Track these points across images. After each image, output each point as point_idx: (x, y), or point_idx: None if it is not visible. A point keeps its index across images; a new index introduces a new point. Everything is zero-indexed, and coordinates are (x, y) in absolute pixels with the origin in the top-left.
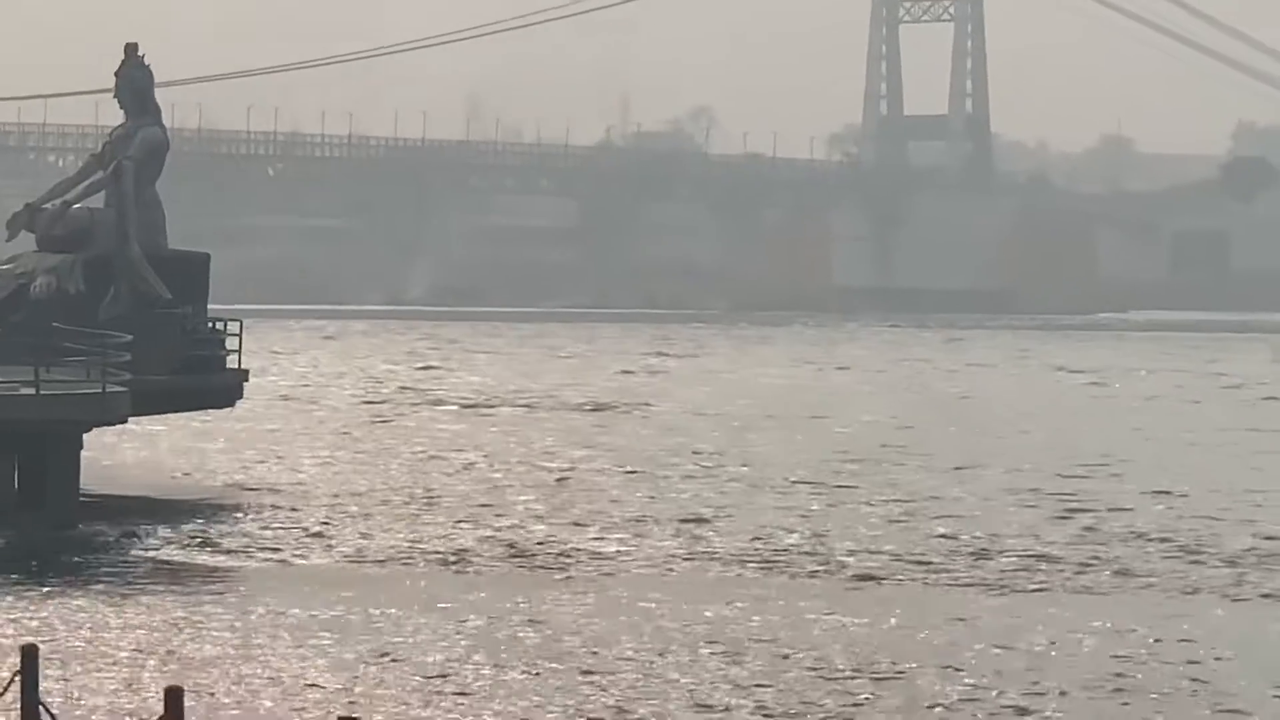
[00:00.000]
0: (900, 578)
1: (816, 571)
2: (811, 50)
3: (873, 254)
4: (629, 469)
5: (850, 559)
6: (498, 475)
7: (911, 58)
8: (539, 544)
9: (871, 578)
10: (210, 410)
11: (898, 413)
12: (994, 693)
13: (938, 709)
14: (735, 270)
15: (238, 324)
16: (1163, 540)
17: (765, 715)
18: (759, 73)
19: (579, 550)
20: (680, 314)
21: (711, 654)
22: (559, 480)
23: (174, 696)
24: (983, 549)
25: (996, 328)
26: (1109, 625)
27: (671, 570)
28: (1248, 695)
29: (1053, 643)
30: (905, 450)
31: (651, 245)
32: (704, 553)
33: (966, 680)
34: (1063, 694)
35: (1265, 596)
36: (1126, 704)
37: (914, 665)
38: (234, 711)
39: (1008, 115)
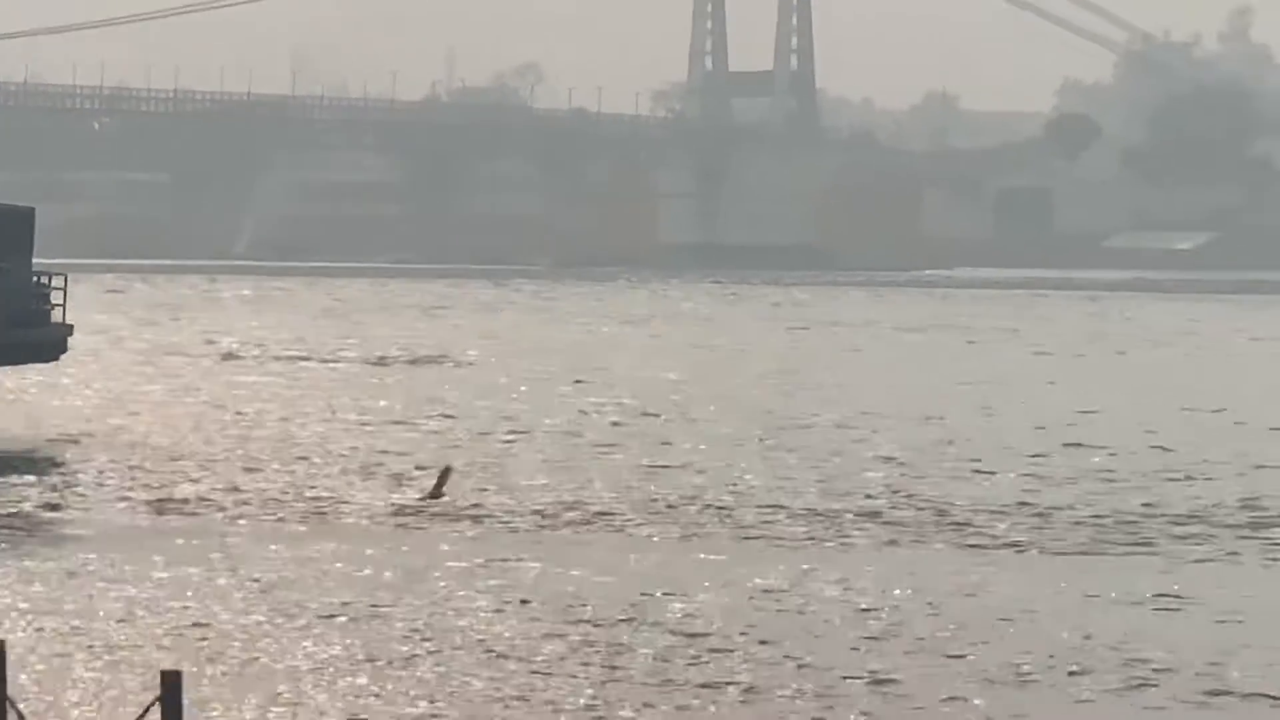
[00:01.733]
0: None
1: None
2: (637, 6)
3: (697, 210)
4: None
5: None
6: (293, 427)
7: (737, 13)
8: (310, 494)
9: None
10: (35, 364)
11: (680, 371)
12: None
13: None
14: (560, 226)
15: (63, 278)
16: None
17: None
18: (585, 29)
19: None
20: (504, 269)
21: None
22: (347, 429)
23: None
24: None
25: (821, 284)
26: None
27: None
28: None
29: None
30: (671, 409)
31: (477, 201)
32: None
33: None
34: None
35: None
36: None
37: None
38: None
39: (833, 71)
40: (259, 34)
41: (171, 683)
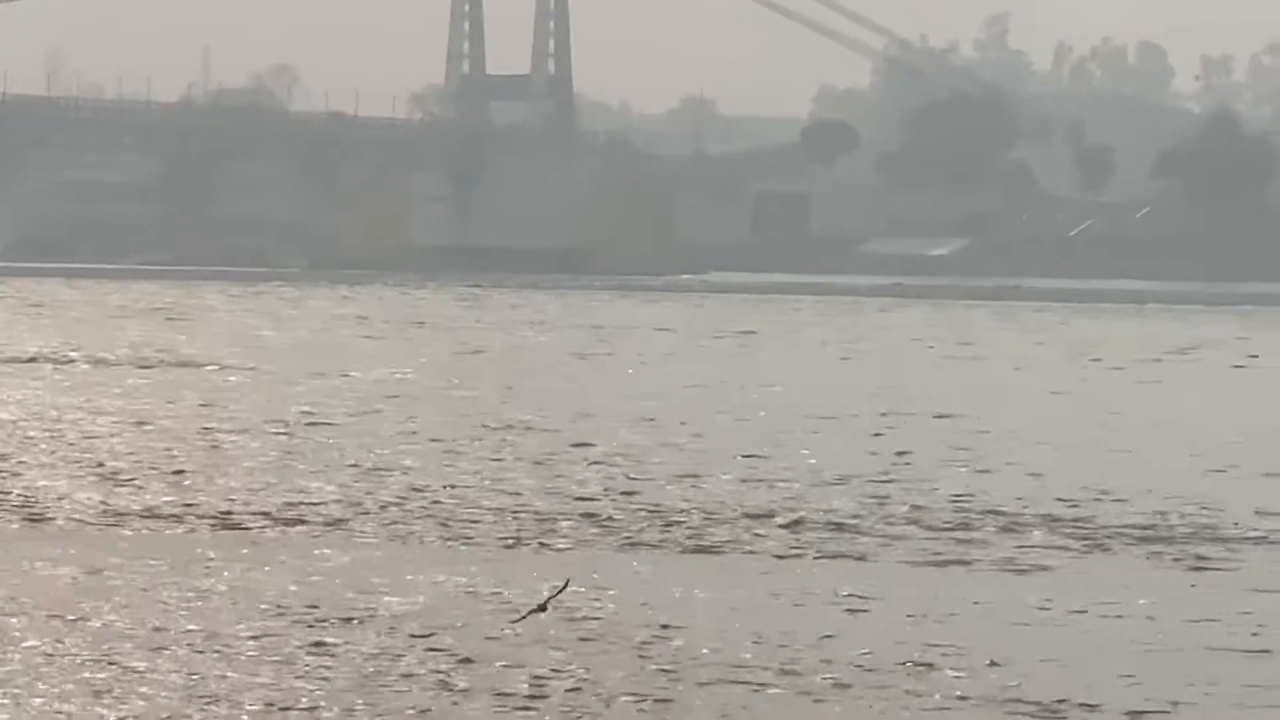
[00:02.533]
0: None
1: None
2: (394, 9)
3: (454, 213)
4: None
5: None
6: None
7: (494, 16)
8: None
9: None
10: None
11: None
12: None
13: None
14: (316, 229)
15: None
16: None
17: None
18: (342, 31)
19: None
20: (260, 272)
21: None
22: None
23: None
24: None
25: (576, 287)
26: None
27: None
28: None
29: None
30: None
31: (233, 203)
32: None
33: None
34: None
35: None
36: None
37: None
38: None
39: (591, 76)
40: (13, 34)
41: None
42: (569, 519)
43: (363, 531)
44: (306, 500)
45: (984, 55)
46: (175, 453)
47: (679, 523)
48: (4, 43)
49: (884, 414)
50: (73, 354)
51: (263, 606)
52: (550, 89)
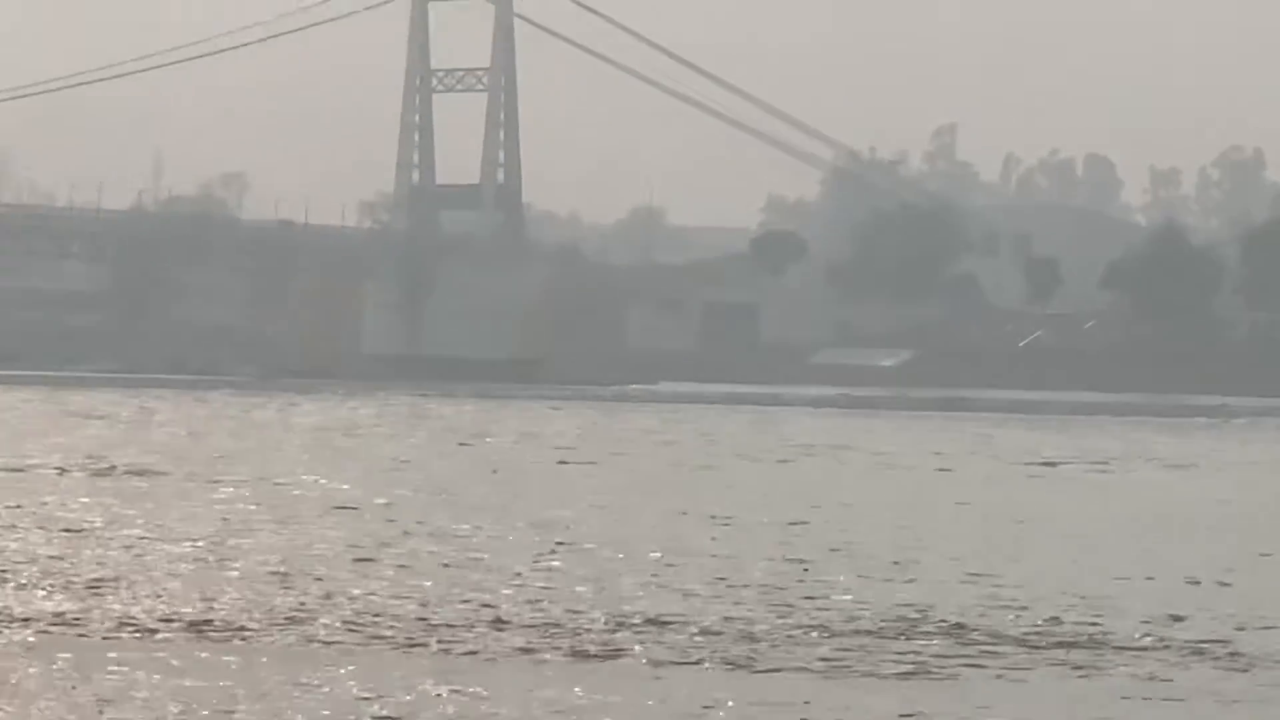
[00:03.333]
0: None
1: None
2: (345, 118)
3: (403, 322)
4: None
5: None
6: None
7: (445, 127)
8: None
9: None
10: None
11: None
12: None
13: None
14: (266, 336)
15: None
16: None
17: None
18: (292, 139)
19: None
20: (210, 380)
21: None
22: None
23: None
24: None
25: (526, 397)
26: None
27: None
28: None
29: None
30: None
31: (183, 310)
32: None
33: None
34: None
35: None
36: None
37: None
38: None
39: (540, 186)
40: None
41: None
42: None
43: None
44: (216, 607)
45: (932, 166)
46: (86, 559)
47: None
48: None
49: (792, 523)
50: None
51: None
52: (500, 199)
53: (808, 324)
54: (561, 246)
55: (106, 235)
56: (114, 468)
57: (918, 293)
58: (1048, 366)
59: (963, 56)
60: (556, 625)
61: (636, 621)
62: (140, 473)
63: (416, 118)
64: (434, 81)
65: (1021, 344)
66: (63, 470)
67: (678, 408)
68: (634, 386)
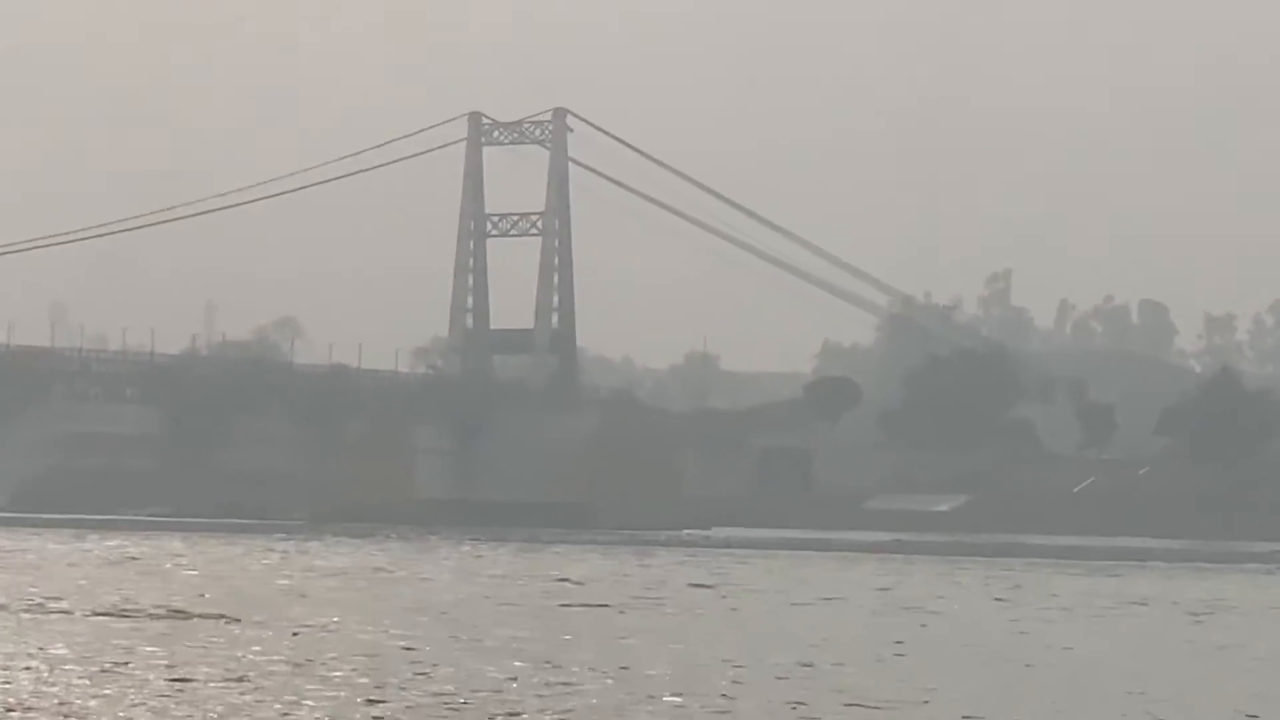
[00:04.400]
0: None
1: None
2: (399, 262)
3: (455, 466)
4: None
5: None
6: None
7: (499, 271)
8: None
9: None
10: None
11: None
12: None
13: None
14: (318, 481)
15: None
16: None
17: None
18: (346, 284)
19: None
20: (262, 524)
21: None
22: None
23: None
24: None
25: (579, 543)
26: None
27: None
28: None
29: None
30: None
31: (234, 454)
32: None
33: None
34: None
35: None
36: None
37: None
38: None
39: (594, 330)
40: (17, 286)
41: None
42: None
43: None
44: None
45: (987, 312)
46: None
47: None
48: (7, 293)
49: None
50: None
51: None
52: (553, 343)
53: (862, 469)
54: (615, 391)
55: (160, 380)
56: (140, 610)
57: (972, 438)
58: (1102, 512)
59: (1017, 203)
60: None
61: None
62: (176, 616)
63: (471, 261)
64: (488, 226)
65: (1076, 490)
66: (101, 611)
67: (728, 553)
68: (688, 532)
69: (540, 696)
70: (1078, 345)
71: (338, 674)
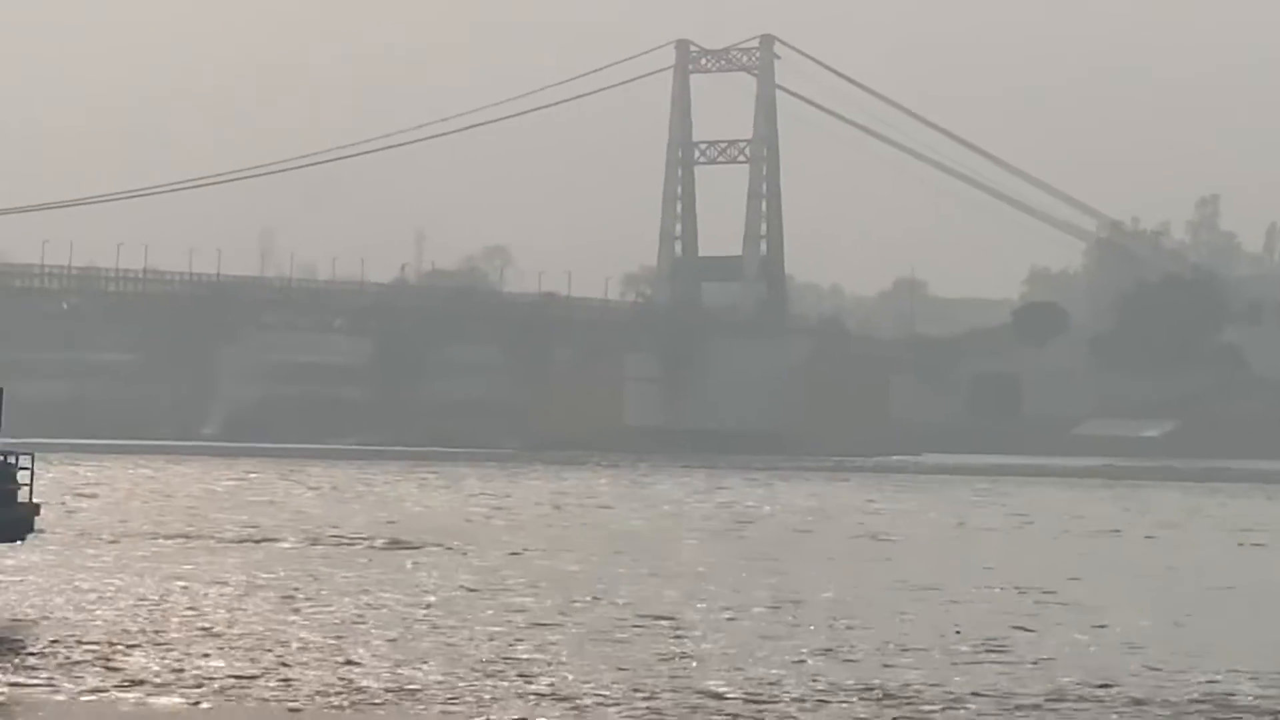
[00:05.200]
0: None
1: None
2: (607, 191)
3: (665, 395)
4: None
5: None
6: (263, 606)
7: (707, 199)
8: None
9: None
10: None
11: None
12: None
13: None
14: (528, 410)
15: (30, 457)
16: None
17: None
18: (554, 213)
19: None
20: (473, 453)
21: None
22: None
23: None
24: None
25: (789, 469)
26: None
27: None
28: None
29: None
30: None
31: (445, 383)
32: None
33: None
34: None
35: None
36: None
37: None
38: None
39: (802, 258)
40: (227, 215)
41: None
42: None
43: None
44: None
45: (1195, 237)
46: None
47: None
48: (218, 223)
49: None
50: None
51: None
52: (762, 271)
53: (1071, 395)
54: (824, 318)
55: (369, 309)
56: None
57: (1180, 364)
58: None
59: (1227, 127)
60: None
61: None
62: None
63: (679, 189)
64: (696, 153)
65: None
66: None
67: (933, 478)
68: (896, 457)
69: (711, 619)
70: None
71: (525, 598)
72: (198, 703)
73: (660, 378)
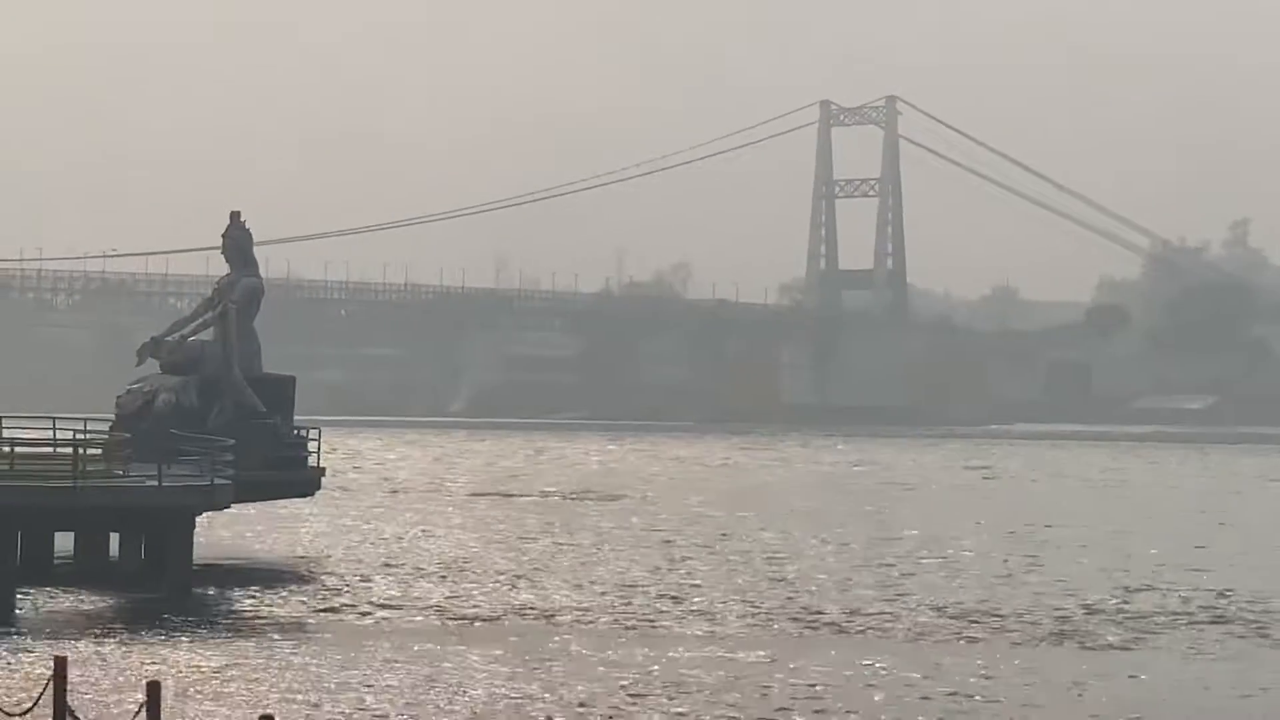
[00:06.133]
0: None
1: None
2: (767, 218)
3: (812, 378)
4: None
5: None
6: (516, 550)
7: (844, 224)
8: (538, 606)
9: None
10: (295, 499)
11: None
12: None
13: None
14: (705, 391)
15: (317, 431)
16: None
17: None
18: (726, 236)
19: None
20: (661, 425)
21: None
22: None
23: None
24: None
25: (909, 436)
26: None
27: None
28: None
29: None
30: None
31: (639, 370)
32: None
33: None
34: None
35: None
36: None
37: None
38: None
39: (920, 269)
40: (468, 240)
41: (153, 693)
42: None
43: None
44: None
45: (1229, 252)
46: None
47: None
48: (463, 247)
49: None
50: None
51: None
52: (889, 281)
53: (1131, 376)
54: (937, 317)
55: (581, 313)
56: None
57: (1219, 352)
58: None
59: (1259, 160)
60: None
61: None
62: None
63: (823, 217)
64: (836, 189)
65: None
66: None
67: (1024, 443)
68: (994, 426)
69: (816, 554)
70: None
71: (657, 539)
72: (433, 622)
73: (809, 365)
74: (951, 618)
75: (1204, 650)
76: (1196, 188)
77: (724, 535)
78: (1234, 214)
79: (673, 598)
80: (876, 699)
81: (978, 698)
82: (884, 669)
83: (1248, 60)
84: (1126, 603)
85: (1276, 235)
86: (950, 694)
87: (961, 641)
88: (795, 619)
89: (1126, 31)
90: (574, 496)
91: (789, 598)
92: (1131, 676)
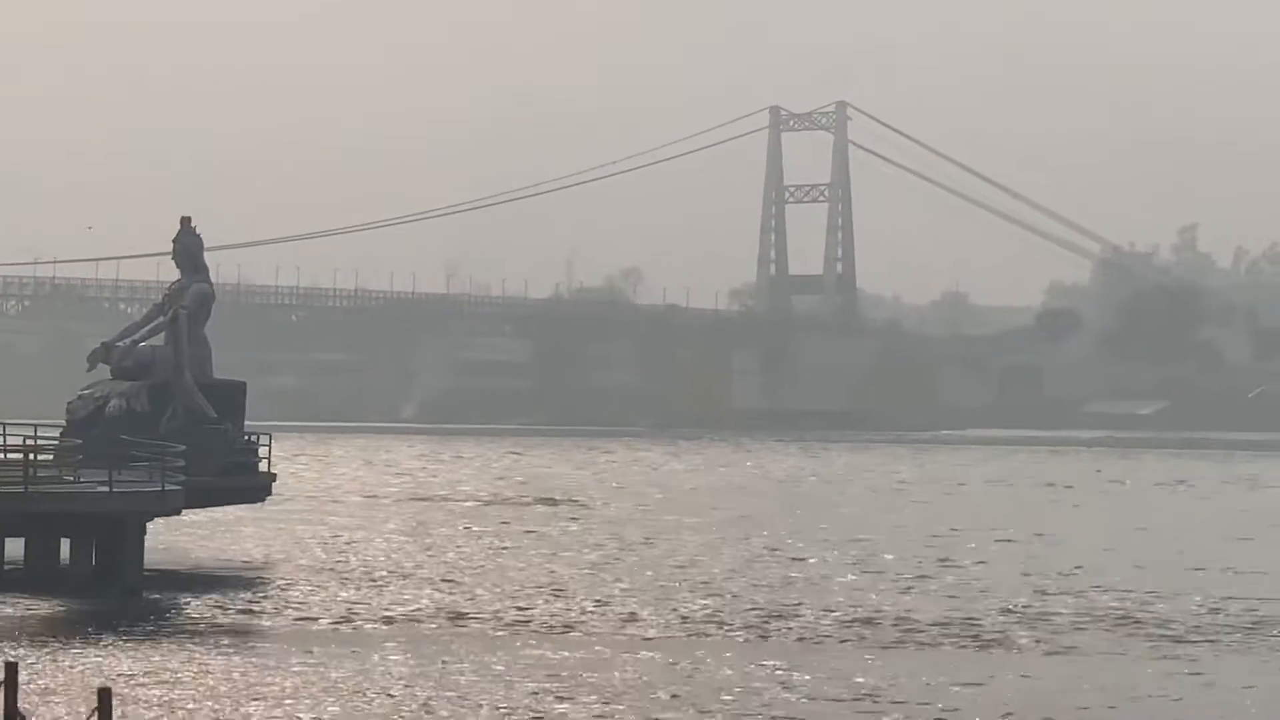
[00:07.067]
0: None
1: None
2: (717, 224)
3: (763, 384)
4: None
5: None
6: (459, 552)
7: (795, 229)
8: (470, 610)
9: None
10: (246, 504)
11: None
12: None
13: None
14: (655, 396)
15: (268, 437)
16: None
17: None
18: (676, 241)
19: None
20: (612, 430)
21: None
22: (495, 556)
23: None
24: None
25: (859, 441)
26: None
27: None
28: None
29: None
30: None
31: (589, 376)
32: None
33: None
34: None
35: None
36: None
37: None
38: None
39: (870, 274)
40: (420, 247)
41: (104, 698)
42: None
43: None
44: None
45: (1178, 256)
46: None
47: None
48: (413, 252)
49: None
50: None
51: None
52: (838, 286)
53: (1081, 381)
54: (887, 322)
55: (531, 318)
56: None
57: (1168, 356)
58: (1272, 412)
59: (1203, 166)
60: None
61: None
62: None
63: (773, 222)
64: (786, 195)
65: (1250, 395)
66: (522, 501)
67: (972, 449)
68: (945, 432)
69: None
70: (1250, 281)
71: (590, 542)
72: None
73: (760, 370)
74: (860, 621)
75: (1094, 650)
76: (1146, 193)
77: (648, 540)
78: (1183, 219)
79: (597, 600)
80: (789, 698)
81: (884, 699)
82: (791, 669)
83: (1198, 65)
84: (1029, 606)
85: (1225, 240)
86: (857, 698)
87: (869, 643)
88: (710, 620)
89: (1075, 34)
90: (516, 502)
91: (705, 601)
92: (1025, 677)
